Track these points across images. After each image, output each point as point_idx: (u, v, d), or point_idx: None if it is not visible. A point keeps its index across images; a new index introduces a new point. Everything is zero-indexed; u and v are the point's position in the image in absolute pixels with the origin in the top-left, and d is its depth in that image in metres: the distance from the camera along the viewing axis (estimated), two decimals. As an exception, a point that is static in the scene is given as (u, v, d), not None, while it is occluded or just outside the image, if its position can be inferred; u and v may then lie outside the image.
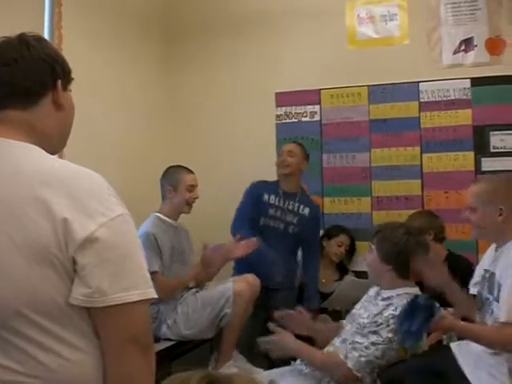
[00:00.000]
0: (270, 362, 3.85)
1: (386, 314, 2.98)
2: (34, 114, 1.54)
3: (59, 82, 1.58)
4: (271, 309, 3.71)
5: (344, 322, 3.35)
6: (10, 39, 1.57)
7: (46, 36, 4.02)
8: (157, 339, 4.07)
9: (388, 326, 2.93)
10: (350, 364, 2.93)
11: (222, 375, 0.98)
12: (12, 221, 1.38)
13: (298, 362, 3.28)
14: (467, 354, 2.95)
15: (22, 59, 1.54)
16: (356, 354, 2.94)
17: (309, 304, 4.52)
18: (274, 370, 3.38)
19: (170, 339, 4.15)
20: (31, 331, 1.39)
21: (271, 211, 4.77)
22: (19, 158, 1.46)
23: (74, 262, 1.38)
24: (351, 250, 5.17)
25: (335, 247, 5.09)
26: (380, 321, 2.97)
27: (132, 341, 1.43)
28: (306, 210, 4.83)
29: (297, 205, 4.82)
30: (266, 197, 4.79)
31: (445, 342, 3.63)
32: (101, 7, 4.87)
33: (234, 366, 4.14)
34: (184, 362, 4.24)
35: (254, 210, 4.77)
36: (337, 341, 3.16)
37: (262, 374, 3.57)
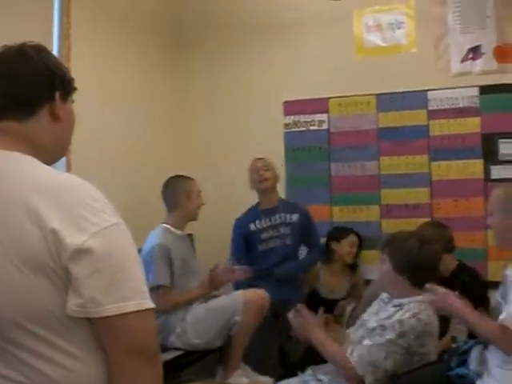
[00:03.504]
0: (280, 372, 3.83)
1: (393, 318, 2.97)
2: (30, 126, 1.54)
3: (57, 93, 1.57)
4: (281, 317, 3.71)
5: (348, 331, 3.34)
6: (10, 50, 1.57)
7: (55, 45, 4.05)
8: (165, 348, 4.06)
9: (394, 329, 2.92)
10: (352, 362, 2.93)
11: None
12: (4, 230, 1.37)
13: (307, 372, 3.27)
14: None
15: (20, 72, 1.54)
16: (360, 353, 2.95)
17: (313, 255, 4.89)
18: (283, 382, 3.36)
19: (178, 348, 4.14)
20: (30, 342, 1.38)
21: (264, 235, 4.86)
22: (11, 168, 1.45)
23: (68, 272, 1.36)
24: (359, 250, 5.18)
25: (348, 248, 5.08)
26: (387, 324, 2.96)
27: (133, 352, 1.41)
28: (295, 217, 4.89)
29: (283, 215, 4.88)
30: (252, 226, 4.89)
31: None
32: (108, 16, 4.89)
33: (243, 374, 4.12)
34: (193, 371, 4.23)
35: (243, 243, 4.89)
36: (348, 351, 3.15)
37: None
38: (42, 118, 1.55)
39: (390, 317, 3.00)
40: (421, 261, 3.05)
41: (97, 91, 4.41)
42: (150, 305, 1.45)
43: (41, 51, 1.60)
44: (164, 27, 5.71)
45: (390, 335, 2.91)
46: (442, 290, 2.94)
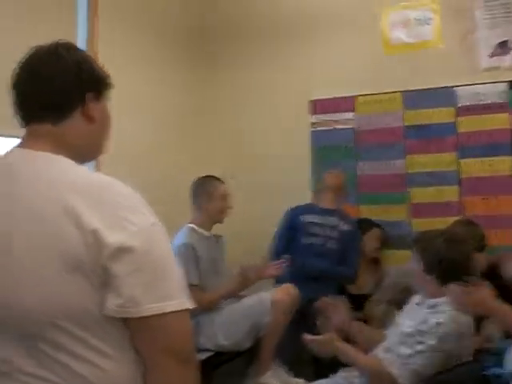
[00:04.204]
0: (313, 372, 3.80)
1: (430, 321, 2.91)
2: (64, 128, 1.54)
3: (89, 94, 1.57)
4: (312, 317, 3.68)
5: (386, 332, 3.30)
6: (41, 51, 1.57)
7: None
8: (196, 350, 4.04)
9: (432, 333, 2.86)
10: (394, 372, 2.87)
11: None
12: (43, 231, 1.37)
13: (339, 374, 3.23)
14: None
15: (51, 73, 1.54)
16: (400, 362, 2.88)
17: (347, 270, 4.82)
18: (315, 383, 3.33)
19: (208, 350, 4.12)
20: (65, 341, 1.37)
21: (310, 229, 4.86)
22: (48, 169, 1.46)
23: (107, 272, 1.36)
24: (382, 244, 5.16)
25: (372, 241, 5.07)
26: (424, 329, 2.90)
27: (170, 353, 1.41)
28: (346, 227, 4.90)
29: (336, 220, 4.89)
30: (302, 218, 4.91)
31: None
32: (134, 18, 4.91)
33: (274, 376, 4.10)
34: (224, 372, 4.21)
35: (288, 234, 4.91)
36: (380, 351, 3.10)
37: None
38: (75, 119, 1.55)
39: (426, 321, 2.94)
40: (449, 260, 2.99)
41: (123, 92, 4.39)
42: (189, 305, 1.45)
43: (73, 51, 1.60)
44: (189, 28, 5.71)
45: (430, 341, 2.84)
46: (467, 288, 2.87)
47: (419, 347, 2.86)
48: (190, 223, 4.33)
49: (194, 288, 4.03)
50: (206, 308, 4.09)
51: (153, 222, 1.45)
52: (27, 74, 1.55)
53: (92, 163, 4.02)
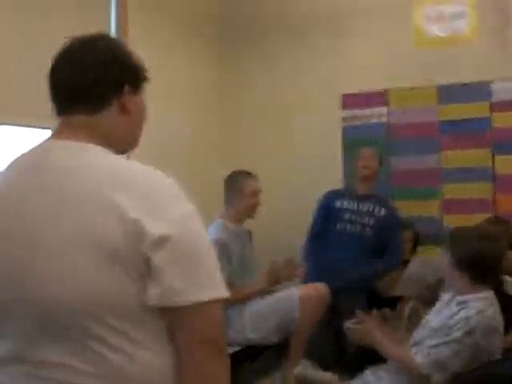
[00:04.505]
0: (341, 370, 3.79)
1: (458, 316, 2.90)
2: (99, 118, 1.54)
3: (126, 86, 1.56)
4: (343, 313, 3.68)
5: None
6: (79, 42, 1.57)
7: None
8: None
9: (460, 328, 2.85)
10: (418, 361, 2.89)
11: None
12: (81, 221, 1.37)
13: (366, 372, 3.24)
14: None
15: (88, 64, 1.53)
16: (425, 352, 2.90)
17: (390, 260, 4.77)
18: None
19: (237, 343, 4.13)
20: (103, 332, 1.37)
21: (346, 216, 4.82)
22: (86, 159, 1.46)
23: (147, 263, 1.36)
24: (416, 245, 5.09)
25: (404, 245, 4.98)
26: (452, 323, 2.89)
27: (208, 342, 1.40)
28: (383, 211, 4.84)
29: (372, 206, 4.84)
30: (337, 203, 4.88)
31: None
32: (159, 8, 4.91)
33: (303, 370, 4.09)
34: (252, 366, 4.21)
35: (322, 222, 4.89)
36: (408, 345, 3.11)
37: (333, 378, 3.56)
38: (111, 110, 1.55)
39: (454, 315, 2.93)
40: (481, 258, 2.96)
41: (154, 85, 4.41)
42: (226, 293, 1.45)
43: (111, 43, 1.60)
44: (215, 18, 5.72)
45: (456, 334, 2.85)
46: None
47: (445, 339, 2.88)
48: (221, 218, 4.34)
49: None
50: (233, 304, 4.10)
51: (191, 211, 1.45)
52: (64, 64, 1.55)
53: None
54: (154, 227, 1.35)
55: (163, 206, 1.39)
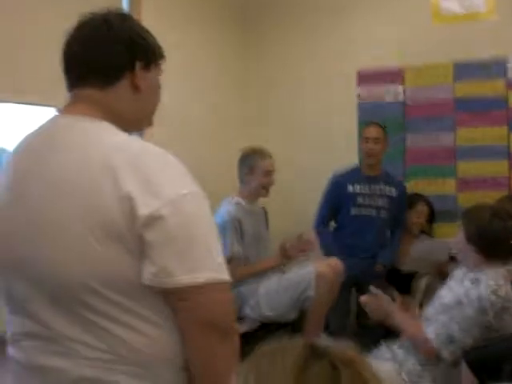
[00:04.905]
0: (359, 344, 3.82)
1: (470, 294, 2.93)
2: (110, 94, 1.54)
3: (138, 63, 1.56)
4: (362, 288, 3.70)
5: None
6: (94, 18, 1.57)
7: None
8: (241, 320, 4.11)
9: (473, 306, 2.88)
10: (429, 337, 2.92)
11: (328, 347, 0.95)
12: (81, 195, 1.38)
13: (383, 345, 3.27)
14: None
15: (102, 39, 1.54)
16: (436, 327, 2.93)
17: (381, 259, 4.73)
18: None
19: (253, 320, 4.18)
20: (109, 309, 1.39)
21: (359, 200, 4.79)
22: (92, 134, 1.46)
23: (142, 240, 1.36)
24: (431, 220, 5.09)
25: (414, 218, 5.00)
26: (465, 300, 2.93)
27: (206, 325, 1.40)
28: (393, 191, 4.83)
29: (383, 187, 4.82)
30: (350, 188, 4.81)
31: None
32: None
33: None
34: (269, 343, 4.25)
35: (334, 203, 4.85)
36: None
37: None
38: (122, 87, 1.55)
39: (466, 293, 2.96)
40: (490, 233, 3.02)
41: (173, 62, 4.40)
42: (225, 277, 1.42)
43: (125, 19, 1.60)
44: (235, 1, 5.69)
45: (469, 312, 2.87)
46: None
47: (457, 316, 2.90)
48: (236, 196, 4.36)
49: (237, 260, 4.09)
50: (245, 279, 4.15)
51: (192, 192, 1.42)
52: (78, 38, 1.56)
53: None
54: (148, 205, 1.34)
55: (160, 186, 1.38)
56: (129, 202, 1.34)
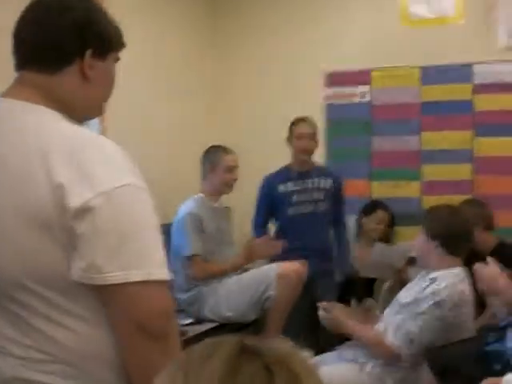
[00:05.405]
0: (317, 348, 3.81)
1: (427, 290, 2.97)
2: (57, 80, 1.46)
3: (90, 51, 1.47)
4: (314, 296, 3.68)
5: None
6: None
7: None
8: (199, 320, 4.08)
9: (428, 300, 2.92)
10: (388, 339, 2.93)
11: (262, 344, 0.90)
12: (14, 185, 1.32)
13: (343, 347, 3.27)
14: None
15: (52, 22, 1.45)
16: (393, 327, 2.96)
17: (341, 267, 4.67)
18: (321, 356, 3.37)
19: (212, 320, 4.14)
20: (37, 304, 1.32)
21: (294, 198, 4.64)
22: (31, 120, 1.39)
23: (73, 233, 1.28)
24: (391, 225, 5.08)
25: (373, 224, 4.99)
26: (420, 297, 2.97)
27: (136, 327, 1.31)
28: (329, 182, 4.71)
29: (316, 180, 4.68)
30: (281, 187, 4.66)
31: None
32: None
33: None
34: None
35: (268, 207, 4.71)
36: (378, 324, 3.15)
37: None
38: (70, 74, 1.47)
39: (423, 290, 2.99)
40: (453, 227, 3.12)
41: (128, 51, 4.29)
42: (162, 276, 1.33)
43: (83, 2, 1.51)
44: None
45: (424, 306, 2.90)
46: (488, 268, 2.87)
47: (414, 312, 2.93)
48: (200, 193, 4.32)
49: (196, 258, 4.05)
50: (206, 279, 4.12)
51: (128, 183, 1.33)
52: (27, 19, 1.48)
53: (97, 125, 4.00)
54: (79, 196, 1.27)
55: (95, 177, 1.30)
56: (61, 193, 1.27)
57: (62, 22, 1.45)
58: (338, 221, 4.81)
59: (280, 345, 0.90)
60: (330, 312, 3.22)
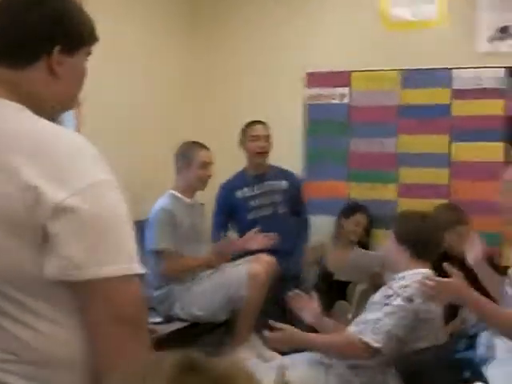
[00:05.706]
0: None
1: (395, 285, 2.98)
2: (24, 75, 1.43)
3: (57, 47, 1.43)
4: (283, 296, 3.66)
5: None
6: None
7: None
8: (170, 319, 4.05)
9: (400, 295, 2.92)
10: (366, 339, 2.87)
11: (206, 361, 0.88)
12: None
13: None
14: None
15: (20, 16, 1.43)
16: (372, 327, 2.90)
17: (295, 269, 4.66)
18: (288, 356, 3.33)
19: (182, 320, 4.11)
20: (4, 305, 1.31)
21: (252, 203, 4.65)
22: None
23: (47, 232, 1.27)
24: (369, 229, 5.08)
25: (352, 226, 4.98)
26: (390, 293, 2.97)
27: (116, 320, 1.32)
28: (284, 183, 4.73)
29: (272, 182, 4.70)
30: (239, 193, 4.68)
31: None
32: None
33: (248, 349, 4.08)
34: (200, 343, 4.18)
35: (226, 216, 4.73)
36: (350, 327, 3.12)
37: (277, 359, 3.55)
38: (38, 69, 1.44)
39: (391, 287, 3.01)
40: (422, 232, 3.13)
41: (104, 45, 4.24)
42: (137, 270, 1.35)
43: None
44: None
45: (396, 301, 2.90)
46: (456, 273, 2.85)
47: (387, 309, 2.91)
48: (172, 189, 4.29)
49: (168, 253, 4.03)
50: (176, 274, 4.10)
51: (104, 181, 1.33)
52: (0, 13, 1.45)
53: (72, 123, 3.96)
54: (54, 195, 1.26)
55: (69, 174, 1.29)
56: (33, 192, 1.26)
57: (29, 18, 1.42)
58: (299, 221, 4.82)
59: (226, 361, 0.89)
60: (279, 331, 3.08)
